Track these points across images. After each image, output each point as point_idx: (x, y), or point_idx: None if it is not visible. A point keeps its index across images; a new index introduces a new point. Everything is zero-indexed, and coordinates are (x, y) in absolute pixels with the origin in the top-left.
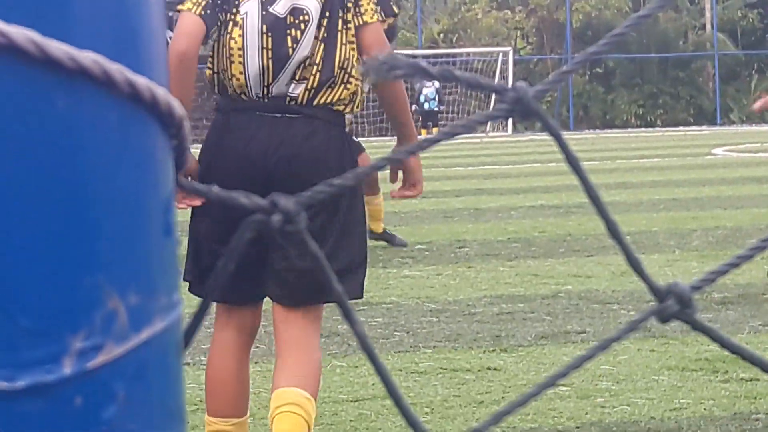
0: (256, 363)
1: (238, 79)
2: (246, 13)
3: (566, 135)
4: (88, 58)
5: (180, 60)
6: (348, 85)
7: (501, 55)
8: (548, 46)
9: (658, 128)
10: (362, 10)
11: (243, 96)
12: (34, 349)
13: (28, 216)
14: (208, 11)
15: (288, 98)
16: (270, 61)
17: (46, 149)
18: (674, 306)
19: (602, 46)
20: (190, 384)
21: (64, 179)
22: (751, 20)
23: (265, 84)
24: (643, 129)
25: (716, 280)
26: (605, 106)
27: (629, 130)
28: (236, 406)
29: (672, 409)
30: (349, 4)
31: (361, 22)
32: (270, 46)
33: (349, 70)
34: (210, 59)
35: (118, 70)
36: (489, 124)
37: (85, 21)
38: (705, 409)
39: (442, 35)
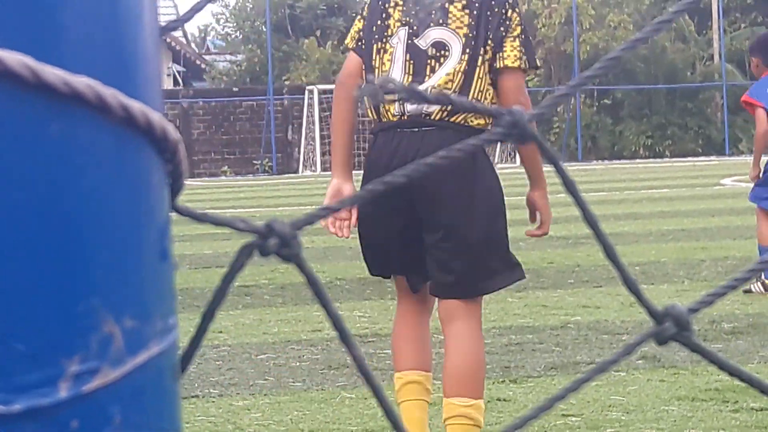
0: (265, 395)
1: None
2: (396, 43)
3: (575, 166)
4: (82, 82)
5: (336, 94)
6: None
7: None
8: (556, 77)
9: (666, 159)
10: (505, 54)
11: (388, 115)
12: (29, 373)
13: (23, 241)
14: (361, 43)
15: (423, 115)
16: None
17: (39, 174)
18: (672, 328)
19: (597, 70)
20: (199, 416)
21: (59, 204)
22: None
23: (402, 104)
24: (651, 160)
25: (714, 302)
26: (613, 137)
27: (637, 160)
28: (422, 360)
29: None
30: (490, 44)
31: (502, 65)
32: (411, 72)
33: (482, 100)
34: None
35: (112, 94)
36: (497, 155)
37: (80, 46)
38: None
39: None
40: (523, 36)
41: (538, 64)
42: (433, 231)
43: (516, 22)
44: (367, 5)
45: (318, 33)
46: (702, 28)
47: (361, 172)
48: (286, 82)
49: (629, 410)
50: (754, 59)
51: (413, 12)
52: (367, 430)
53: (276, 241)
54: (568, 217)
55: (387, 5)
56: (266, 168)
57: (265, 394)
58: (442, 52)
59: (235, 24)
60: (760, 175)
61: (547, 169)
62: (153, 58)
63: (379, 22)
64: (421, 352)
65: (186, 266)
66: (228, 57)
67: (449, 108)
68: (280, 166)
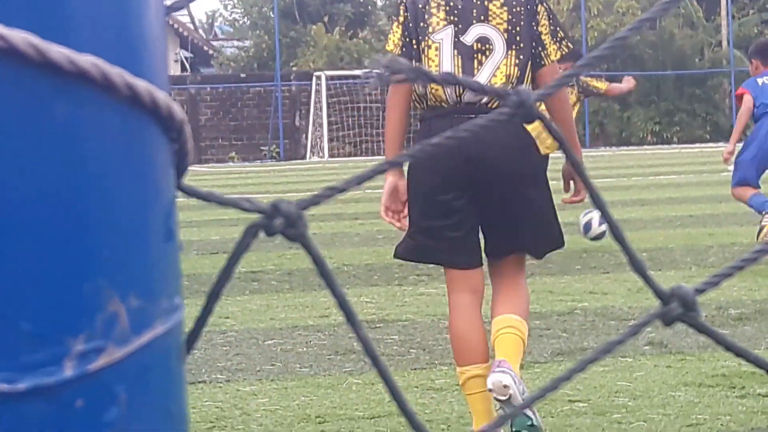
0: (272, 381)
1: (437, 91)
2: (441, 39)
3: (582, 152)
4: (87, 61)
5: (390, 99)
6: None
7: None
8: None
9: (674, 145)
10: (547, 52)
11: (442, 104)
12: (34, 352)
13: (29, 220)
14: (404, 48)
15: (478, 103)
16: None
17: (45, 153)
18: (678, 308)
19: (604, 50)
20: (206, 402)
21: (64, 183)
22: (767, 36)
23: (458, 94)
24: (659, 146)
25: (720, 283)
26: (621, 124)
27: (645, 147)
28: (482, 353)
29: (689, 425)
30: (529, 40)
31: (545, 63)
32: (460, 65)
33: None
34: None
35: (117, 73)
36: None
37: (86, 25)
38: (722, 424)
39: None
40: (552, 26)
41: (570, 45)
42: (501, 201)
43: (543, 15)
44: (403, 10)
45: (326, 19)
46: (710, 14)
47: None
48: (294, 68)
49: (636, 396)
50: (754, 61)
51: (456, 11)
52: (374, 416)
53: (282, 221)
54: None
55: (428, 7)
56: (274, 154)
57: (272, 380)
58: (487, 46)
59: (242, 10)
60: (733, 157)
61: (555, 156)
62: (159, 37)
63: (421, 24)
64: (480, 344)
65: (193, 252)
66: (235, 43)
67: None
68: (288, 152)
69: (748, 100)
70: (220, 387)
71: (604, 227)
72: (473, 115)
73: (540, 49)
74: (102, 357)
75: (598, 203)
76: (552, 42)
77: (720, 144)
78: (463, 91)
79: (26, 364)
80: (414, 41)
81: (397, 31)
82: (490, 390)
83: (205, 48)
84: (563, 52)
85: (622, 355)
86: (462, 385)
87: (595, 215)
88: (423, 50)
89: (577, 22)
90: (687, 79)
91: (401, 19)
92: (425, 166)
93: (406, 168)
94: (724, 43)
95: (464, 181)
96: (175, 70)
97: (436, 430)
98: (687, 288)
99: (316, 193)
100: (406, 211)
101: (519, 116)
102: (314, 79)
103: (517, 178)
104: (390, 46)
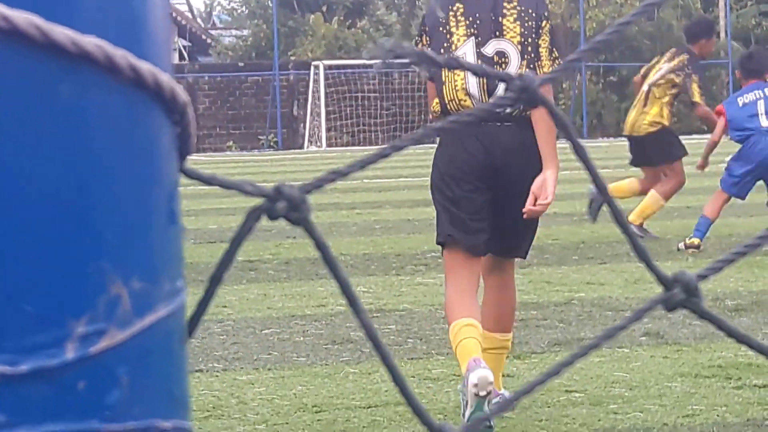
0: (269, 370)
1: (465, 101)
2: (464, 53)
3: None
4: (91, 43)
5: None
6: None
7: None
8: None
9: None
10: (541, 64)
11: (463, 110)
12: (36, 334)
13: (33, 202)
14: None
15: (501, 113)
16: (486, 86)
17: (49, 135)
18: (680, 294)
19: (607, 35)
20: (203, 391)
21: (68, 165)
22: (765, 28)
23: (484, 100)
24: None
25: (722, 269)
26: (619, 114)
27: None
28: (475, 313)
29: (685, 416)
30: (532, 51)
31: (537, 74)
32: (484, 78)
33: None
34: (437, 95)
35: (121, 55)
36: None
37: (89, 6)
38: (718, 415)
39: None
40: (551, 44)
41: (560, 53)
42: (510, 205)
43: (545, 29)
44: (425, 27)
45: (324, 8)
46: (708, 5)
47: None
48: (292, 58)
49: (632, 386)
50: (737, 72)
51: (476, 24)
52: (370, 405)
53: (285, 205)
54: (573, 193)
55: (448, 26)
56: (271, 143)
57: (269, 369)
58: (504, 59)
59: None
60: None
61: (561, 149)
62: (162, 20)
63: (444, 44)
64: (474, 307)
65: (191, 241)
66: (234, 32)
67: (522, 106)
68: (286, 141)
69: (722, 123)
70: (217, 376)
71: None
72: (499, 123)
73: (536, 60)
74: (104, 339)
75: (601, 189)
76: (548, 57)
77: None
78: (488, 101)
79: (28, 346)
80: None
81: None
82: (475, 384)
83: (204, 37)
84: (553, 65)
85: (619, 345)
86: (453, 336)
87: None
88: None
89: (576, 12)
90: None
91: (425, 37)
92: (455, 167)
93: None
94: (722, 35)
95: (487, 182)
96: (173, 58)
97: None
98: (690, 274)
99: (319, 176)
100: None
101: (522, 100)
102: (312, 68)
103: (526, 183)
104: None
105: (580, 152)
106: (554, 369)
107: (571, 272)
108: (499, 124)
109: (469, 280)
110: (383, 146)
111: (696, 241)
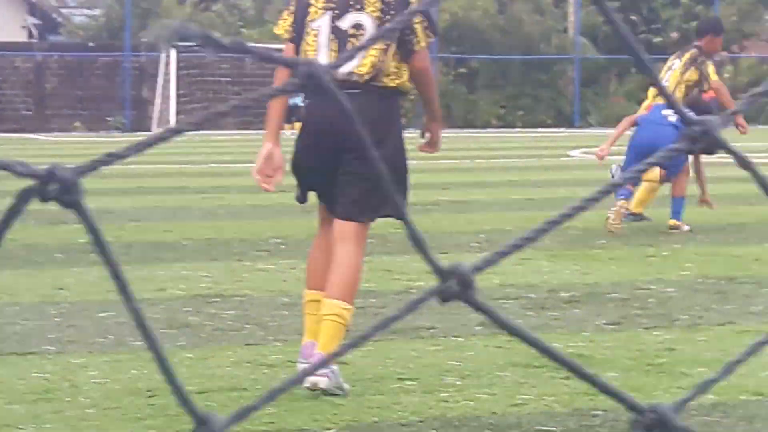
0: (104, 353)
1: None
2: (319, 26)
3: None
4: None
5: (276, 76)
6: (391, 76)
7: None
8: None
9: (518, 129)
10: (417, 38)
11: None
12: None
13: None
14: (294, 33)
15: (349, 80)
16: (336, 57)
17: None
18: (455, 286)
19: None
20: (34, 373)
21: None
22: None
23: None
24: (503, 129)
25: (498, 261)
26: (468, 106)
27: (490, 130)
28: (322, 282)
29: (513, 405)
30: (407, 29)
31: (417, 48)
32: (336, 49)
33: (397, 72)
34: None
35: None
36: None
37: None
38: (546, 405)
39: None
40: (424, 15)
41: (433, 33)
42: (346, 167)
43: (415, 4)
44: (294, 1)
45: None
46: (559, 1)
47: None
48: (144, 40)
49: (465, 375)
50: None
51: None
52: (204, 390)
53: (57, 187)
54: (417, 184)
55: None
56: (119, 125)
57: (104, 352)
58: (360, 31)
59: None
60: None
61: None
62: None
63: (304, 13)
64: (323, 274)
65: None
66: (86, 11)
67: (373, 74)
68: (134, 123)
69: (630, 119)
70: (50, 359)
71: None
72: (346, 89)
73: (412, 36)
74: None
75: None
76: (422, 30)
77: (561, 129)
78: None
79: None
80: (300, 28)
81: (288, 19)
82: (307, 387)
83: (54, 15)
84: (430, 39)
85: (454, 334)
86: (303, 304)
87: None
88: (305, 36)
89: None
90: (533, 65)
91: (291, 8)
92: (304, 132)
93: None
94: (571, 30)
95: (330, 142)
96: (21, 36)
97: (264, 407)
98: (465, 266)
99: (94, 158)
100: (277, 176)
101: (308, 87)
102: (164, 51)
103: (376, 145)
104: (280, 31)
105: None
106: (341, 349)
107: (412, 261)
108: (346, 90)
109: (324, 239)
110: (167, 129)
111: (674, 222)
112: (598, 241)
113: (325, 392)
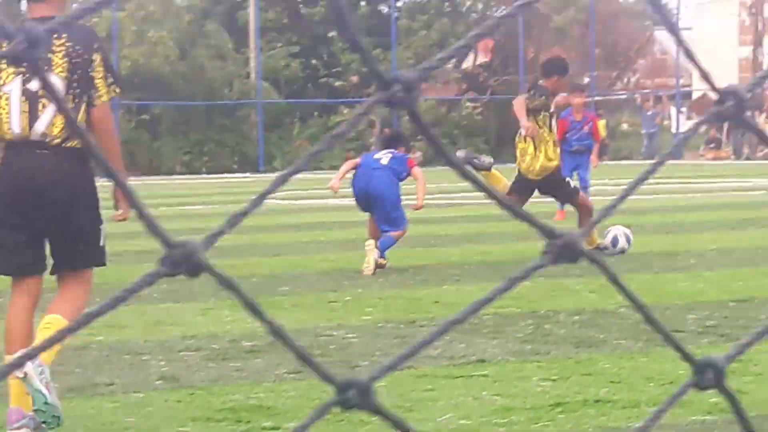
0: None
1: (8, 135)
2: (11, 90)
3: (111, 182)
4: None
5: None
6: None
7: None
8: None
9: (203, 175)
10: (98, 93)
11: (11, 138)
12: None
13: None
14: None
15: (41, 142)
16: (28, 118)
17: None
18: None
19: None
20: None
21: None
22: (293, 69)
23: (24, 131)
24: (188, 176)
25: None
26: (152, 153)
27: (174, 177)
28: (24, 344)
29: None
30: (84, 85)
31: (100, 102)
32: (27, 109)
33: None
34: None
35: None
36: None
37: None
38: None
39: None
40: (107, 71)
41: (118, 89)
42: (55, 224)
43: (98, 62)
44: None
45: None
46: (240, 46)
47: None
48: None
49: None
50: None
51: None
52: None
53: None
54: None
55: (2, 65)
56: None
57: None
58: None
59: None
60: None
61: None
62: None
63: None
64: (25, 338)
65: None
66: None
67: (64, 136)
68: None
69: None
70: None
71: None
72: (40, 150)
73: (94, 92)
74: None
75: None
76: (104, 86)
77: (247, 174)
78: (29, 130)
79: None
80: None
81: None
82: (27, 394)
83: None
84: (114, 94)
85: (135, 390)
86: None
87: (614, 230)
88: None
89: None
90: (217, 110)
91: None
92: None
93: None
94: (253, 75)
95: (28, 205)
96: None
97: None
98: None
99: None
100: None
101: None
102: None
103: (68, 204)
104: None
105: (124, 189)
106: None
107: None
108: (38, 151)
109: (20, 299)
110: None
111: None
112: (281, 287)
113: None
